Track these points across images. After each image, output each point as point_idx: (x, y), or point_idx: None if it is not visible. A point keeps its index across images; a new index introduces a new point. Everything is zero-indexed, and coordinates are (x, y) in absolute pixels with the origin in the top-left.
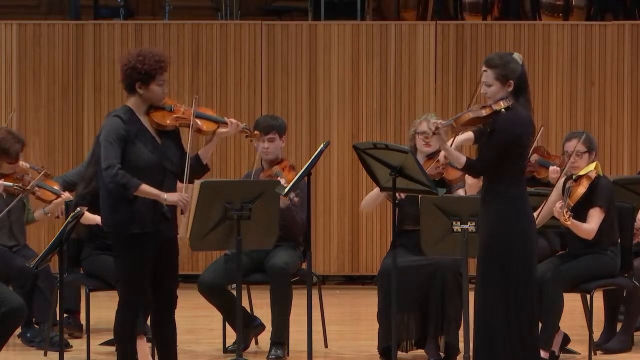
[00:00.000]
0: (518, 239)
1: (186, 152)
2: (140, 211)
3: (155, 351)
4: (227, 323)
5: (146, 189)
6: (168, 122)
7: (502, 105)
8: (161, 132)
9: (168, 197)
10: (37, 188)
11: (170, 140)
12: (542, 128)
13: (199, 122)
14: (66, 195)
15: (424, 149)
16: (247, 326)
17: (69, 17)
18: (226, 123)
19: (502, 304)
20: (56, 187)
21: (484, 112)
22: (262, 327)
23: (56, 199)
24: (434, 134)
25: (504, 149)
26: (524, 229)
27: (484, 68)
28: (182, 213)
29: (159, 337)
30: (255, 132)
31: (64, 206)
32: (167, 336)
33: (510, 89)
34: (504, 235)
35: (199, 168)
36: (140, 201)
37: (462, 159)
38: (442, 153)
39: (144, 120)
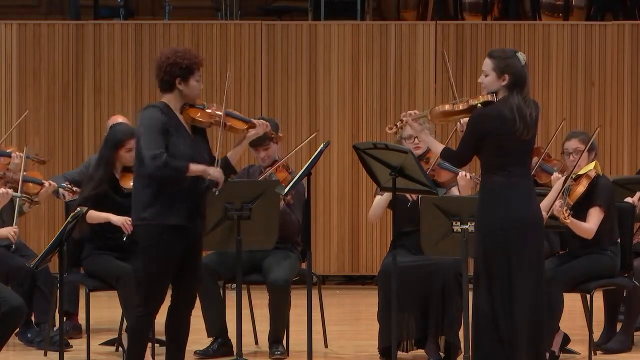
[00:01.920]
0: (495, 230)
1: (213, 153)
2: (178, 204)
3: (157, 350)
4: (204, 317)
5: (194, 167)
6: (203, 119)
7: (480, 99)
8: (193, 129)
9: (212, 172)
10: (24, 183)
11: (200, 137)
12: (563, 121)
13: (230, 120)
14: (51, 183)
15: (414, 152)
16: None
17: (69, 17)
18: (254, 123)
19: (486, 301)
20: (39, 177)
21: (459, 106)
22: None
23: (41, 189)
24: (401, 127)
25: (474, 142)
26: (497, 221)
27: (486, 58)
28: (215, 187)
29: (172, 335)
30: (280, 134)
31: (56, 190)
32: (180, 335)
33: (505, 83)
34: (483, 227)
35: (228, 170)
36: (179, 195)
37: (439, 147)
38: (409, 129)
39: (180, 117)
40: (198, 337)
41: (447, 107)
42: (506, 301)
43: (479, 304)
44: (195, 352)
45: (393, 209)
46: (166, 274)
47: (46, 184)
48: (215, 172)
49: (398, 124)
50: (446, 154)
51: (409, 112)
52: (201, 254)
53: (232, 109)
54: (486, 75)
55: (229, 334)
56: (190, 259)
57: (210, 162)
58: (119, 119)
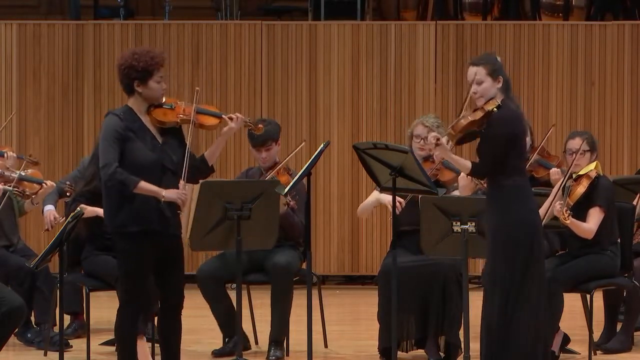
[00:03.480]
0: (522, 233)
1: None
2: (142, 210)
3: (156, 350)
4: (217, 321)
5: (145, 186)
6: (169, 119)
7: (493, 104)
8: (163, 131)
9: (166, 194)
10: (22, 182)
11: (172, 138)
12: (553, 127)
13: (200, 117)
14: (50, 183)
15: (418, 152)
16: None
17: (69, 17)
18: (226, 117)
19: (511, 300)
20: (39, 177)
21: (478, 115)
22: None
23: (40, 188)
24: (436, 145)
25: (499, 148)
26: (523, 219)
27: (472, 68)
28: (178, 210)
29: (164, 337)
30: (259, 125)
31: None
32: (171, 336)
33: (500, 85)
34: (510, 232)
35: (205, 168)
36: (142, 200)
37: (468, 164)
38: (437, 152)
39: (145, 119)
40: (199, 337)
41: (467, 119)
42: (540, 298)
43: (517, 305)
44: (213, 353)
45: (394, 208)
46: (140, 275)
47: (46, 184)
48: (170, 194)
49: (430, 146)
50: (475, 170)
51: (432, 134)
52: (182, 253)
53: (232, 108)
54: (480, 83)
55: (222, 329)
56: (170, 261)
57: (179, 166)
58: None
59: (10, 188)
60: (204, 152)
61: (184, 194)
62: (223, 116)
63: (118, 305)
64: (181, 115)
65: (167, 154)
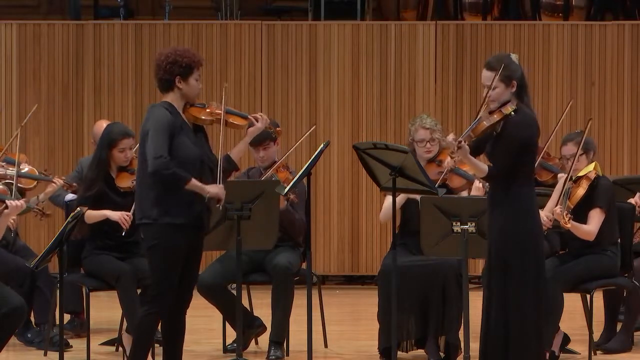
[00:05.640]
0: (532, 238)
1: (215, 152)
2: (190, 202)
3: (156, 351)
4: (227, 323)
5: (194, 182)
6: (205, 117)
7: (510, 108)
8: (194, 128)
9: (210, 189)
10: (19, 178)
11: (201, 136)
12: (571, 101)
13: (229, 117)
14: (57, 180)
15: (424, 155)
16: (249, 326)
17: (69, 17)
18: (252, 118)
19: (521, 304)
20: (37, 173)
21: (495, 117)
22: (263, 328)
23: (37, 184)
24: (458, 148)
25: (515, 153)
26: (536, 229)
27: (485, 72)
28: (217, 204)
29: (168, 335)
30: (278, 128)
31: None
32: (176, 334)
33: (514, 89)
34: (519, 236)
35: (230, 166)
36: (187, 192)
37: (485, 167)
38: (448, 160)
39: (183, 116)
40: (199, 337)
41: (486, 122)
42: (544, 300)
43: (525, 307)
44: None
45: (394, 208)
46: (174, 271)
47: (51, 181)
48: (213, 189)
49: (454, 148)
50: (491, 173)
51: (452, 136)
52: (201, 255)
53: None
54: (494, 88)
55: (229, 334)
56: (192, 260)
57: (213, 163)
58: (104, 123)
59: (34, 206)
60: (228, 152)
61: (224, 190)
62: (249, 117)
63: (144, 302)
64: (214, 114)
65: (204, 150)
